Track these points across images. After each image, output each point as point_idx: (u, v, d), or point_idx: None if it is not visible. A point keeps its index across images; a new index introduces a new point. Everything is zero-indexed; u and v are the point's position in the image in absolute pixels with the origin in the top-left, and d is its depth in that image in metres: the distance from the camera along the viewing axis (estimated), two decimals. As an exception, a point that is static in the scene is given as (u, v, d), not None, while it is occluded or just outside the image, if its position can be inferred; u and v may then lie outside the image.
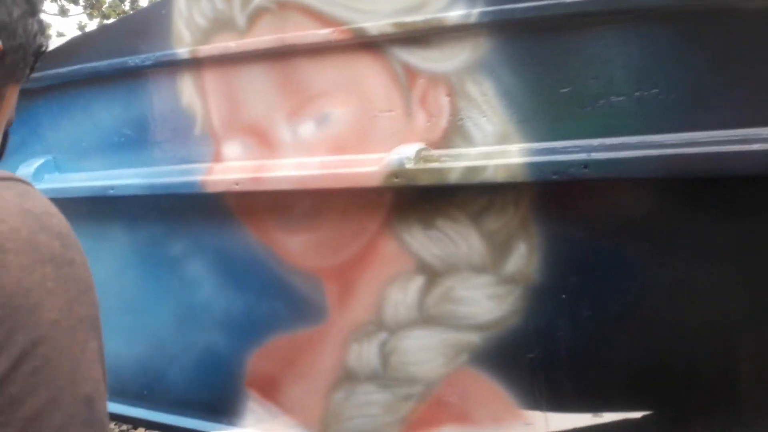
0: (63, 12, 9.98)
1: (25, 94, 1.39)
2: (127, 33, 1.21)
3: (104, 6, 10.10)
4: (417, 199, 0.99)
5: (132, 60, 1.18)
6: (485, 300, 0.98)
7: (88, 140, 1.29)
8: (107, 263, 1.29)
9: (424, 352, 1.04)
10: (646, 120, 0.87)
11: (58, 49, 1.30)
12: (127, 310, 1.30)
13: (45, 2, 9.58)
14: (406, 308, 1.04)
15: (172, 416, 1.26)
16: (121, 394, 1.29)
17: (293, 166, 1.05)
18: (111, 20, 10.17)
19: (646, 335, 0.94)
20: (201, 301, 1.22)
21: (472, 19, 0.91)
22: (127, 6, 10.22)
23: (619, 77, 0.88)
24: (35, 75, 1.41)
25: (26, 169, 1.30)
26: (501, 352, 1.00)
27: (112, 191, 1.18)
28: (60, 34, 10.21)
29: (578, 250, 0.93)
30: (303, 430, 1.16)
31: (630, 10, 0.85)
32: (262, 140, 1.10)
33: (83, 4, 10.06)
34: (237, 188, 1.06)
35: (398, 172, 0.94)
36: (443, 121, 0.96)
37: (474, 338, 1.00)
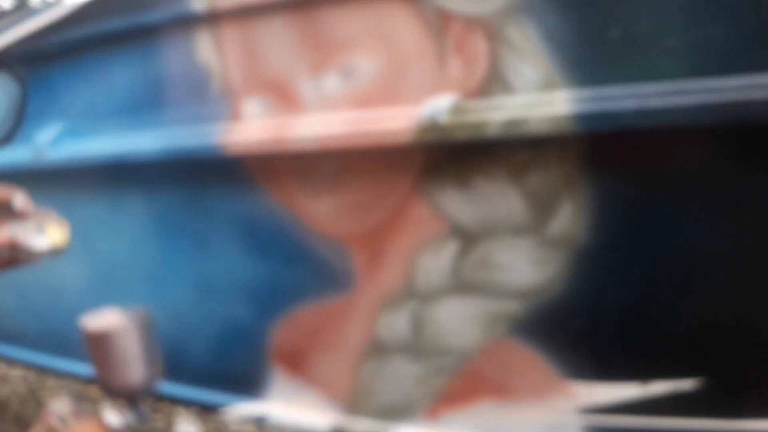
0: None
1: (42, 60, 1.35)
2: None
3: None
4: (451, 156, 0.91)
5: (147, 16, 1.12)
6: (526, 265, 0.91)
7: (104, 104, 1.24)
8: (124, 232, 1.25)
9: (459, 321, 0.98)
10: (704, 62, 0.78)
11: (73, 11, 1.25)
12: (146, 281, 1.26)
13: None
14: (440, 275, 0.97)
15: (195, 390, 1.23)
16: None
17: (317, 124, 0.98)
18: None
19: (702, 299, 0.86)
20: (222, 271, 1.17)
21: (513, -45, 0.83)
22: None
23: (673, 16, 0.79)
24: (51, 40, 1.36)
25: (44, 136, 1.26)
26: (543, 321, 0.93)
27: (129, 158, 1.13)
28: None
29: (630, 208, 0.85)
30: (330, 403, 1.11)
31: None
32: (284, 97, 1.03)
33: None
34: (257, 149, 1.00)
35: (431, 126, 0.87)
36: (480, 69, 0.89)
37: (514, 306, 0.93)
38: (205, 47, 1.09)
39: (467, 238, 0.94)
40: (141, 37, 1.16)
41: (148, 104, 1.17)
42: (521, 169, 0.88)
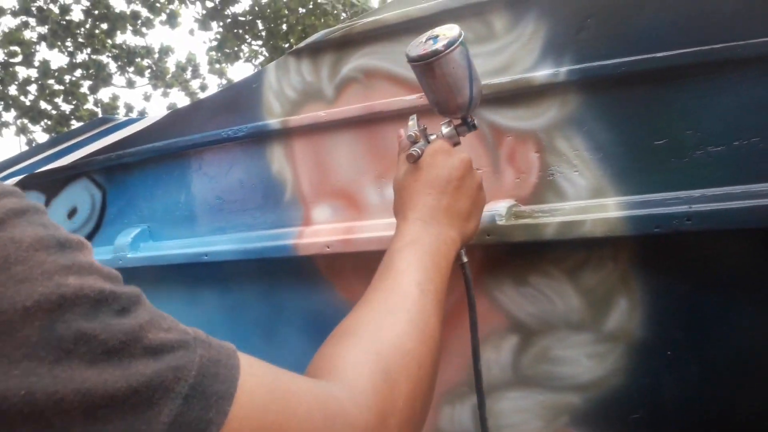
0: (130, 84, 10.71)
1: (122, 168, 1.48)
2: (219, 107, 1.28)
3: (167, 76, 10.80)
4: (508, 256, 0.98)
5: (225, 132, 1.25)
6: (585, 359, 0.95)
7: (181, 209, 1.35)
8: (198, 326, 1.32)
9: (521, 414, 1.01)
10: (746, 169, 0.85)
11: (153, 125, 1.39)
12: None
13: (114, 76, 10.36)
14: (501, 368, 1.02)
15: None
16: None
17: (382, 227, 1.06)
18: (174, 89, 10.85)
19: (756, 392, 0.88)
20: (290, 362, 1.22)
21: (560, 78, 0.92)
22: (189, 75, 10.89)
23: (716, 127, 0.87)
24: (130, 150, 1.49)
25: (123, 239, 1.37)
26: (603, 414, 0.96)
27: (206, 257, 1.22)
28: (128, 106, 10.94)
29: (682, 304, 0.89)
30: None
31: (723, 61, 0.85)
32: (351, 203, 1.12)
33: (148, 75, 10.78)
34: (328, 250, 1.08)
35: (490, 228, 0.94)
36: (533, 177, 0.97)
37: (574, 399, 0.97)
38: (278, 159, 1.20)
39: (526, 333, 0.99)
40: (215, 149, 1.29)
41: (222, 210, 1.28)
42: (576, 268, 0.94)
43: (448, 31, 0.78)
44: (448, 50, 0.76)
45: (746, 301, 0.87)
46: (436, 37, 0.78)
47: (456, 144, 0.85)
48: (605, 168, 0.92)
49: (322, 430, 0.45)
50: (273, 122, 1.18)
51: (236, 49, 10.23)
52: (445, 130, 0.85)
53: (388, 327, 0.59)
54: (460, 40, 0.77)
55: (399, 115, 1.06)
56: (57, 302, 0.36)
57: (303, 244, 1.12)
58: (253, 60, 10.68)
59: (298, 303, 1.19)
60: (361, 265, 1.11)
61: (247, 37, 10.21)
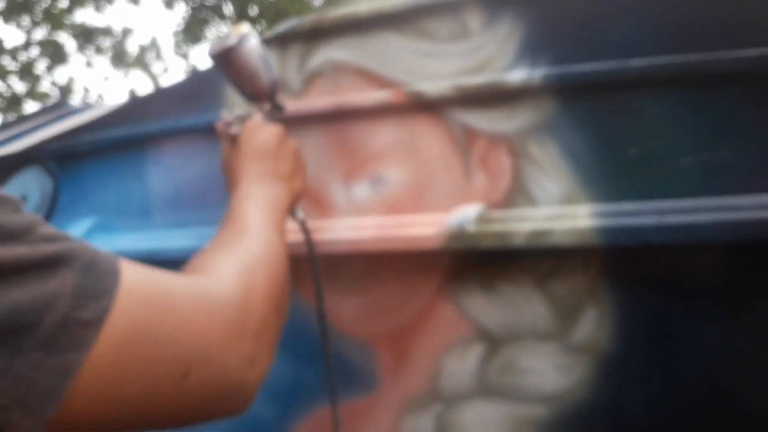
0: (89, 64, 10.41)
1: (75, 157, 1.41)
2: (180, 97, 1.23)
3: (129, 59, 10.54)
4: (477, 263, 0.96)
5: (184, 122, 1.19)
6: (551, 370, 0.93)
7: (136, 202, 1.29)
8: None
9: (484, 425, 0.99)
10: (716, 182, 0.84)
11: (111, 113, 1.32)
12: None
13: (72, 56, 10.06)
14: (465, 378, 0.99)
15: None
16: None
17: (347, 229, 1.03)
18: (135, 70, 10.62)
19: (723, 408, 0.88)
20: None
21: (535, 81, 0.90)
22: (151, 58, 10.64)
23: (688, 138, 0.86)
24: (85, 138, 1.43)
25: (74, 231, 1.30)
26: (567, 427, 0.94)
27: (161, 254, 1.17)
28: (86, 89, 10.65)
29: (651, 316, 0.88)
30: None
31: (698, 73, 0.84)
32: (316, 202, 1.08)
33: (109, 56, 10.50)
34: (289, 251, 1.04)
35: (458, 234, 0.92)
36: (504, 182, 0.95)
37: (539, 411, 0.95)
38: (240, 153, 1.15)
39: (493, 342, 0.96)
40: (175, 139, 1.23)
41: (180, 204, 1.22)
42: (545, 276, 0.92)
43: (239, 28, 0.90)
44: (239, 43, 0.88)
45: (714, 315, 0.86)
46: (229, 35, 0.90)
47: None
48: (577, 175, 0.90)
49: (200, 301, 0.54)
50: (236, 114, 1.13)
51: (200, 34, 10.01)
52: (257, 115, 0.93)
53: (242, 244, 0.69)
54: (250, 34, 0.89)
55: (369, 111, 1.03)
56: None
57: (264, 243, 1.07)
58: (219, 45, 10.46)
59: (257, 304, 1.14)
60: (324, 268, 1.07)
61: (214, 19, 10.00)
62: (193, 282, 0.57)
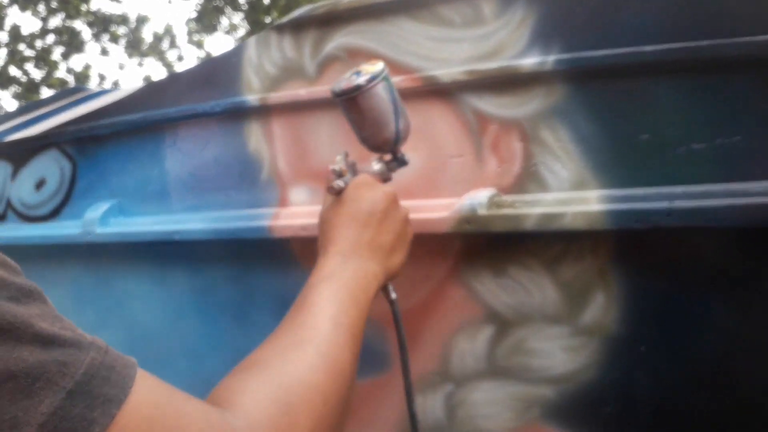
0: (104, 52, 10.46)
1: (93, 141, 1.43)
2: (196, 81, 1.24)
3: (144, 46, 10.59)
4: (488, 246, 0.97)
5: (201, 107, 1.21)
6: (559, 352, 0.95)
7: (153, 185, 1.31)
8: (167, 307, 1.30)
9: (493, 405, 1.01)
10: (727, 167, 0.85)
11: (128, 97, 1.34)
12: (184, 354, 1.30)
13: (87, 43, 10.12)
14: (474, 359, 1.01)
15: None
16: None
17: (360, 212, 1.04)
18: (150, 59, 10.67)
19: (728, 390, 0.89)
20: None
21: (548, 66, 0.91)
22: (166, 46, 10.69)
23: (699, 124, 0.86)
24: (103, 122, 1.45)
25: (92, 214, 1.33)
26: (575, 407, 0.96)
27: (177, 236, 1.19)
28: (101, 75, 10.72)
29: (659, 300, 0.89)
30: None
31: (710, 59, 0.84)
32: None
33: (124, 44, 10.56)
34: (304, 233, 1.06)
35: (470, 217, 0.93)
36: (515, 167, 0.96)
37: (547, 392, 0.97)
38: (255, 137, 1.17)
39: (502, 324, 0.98)
40: (192, 124, 1.25)
41: (197, 188, 1.24)
42: (554, 260, 0.93)
43: (371, 67, 0.80)
44: (370, 84, 0.78)
45: (722, 299, 0.87)
46: (359, 71, 0.80)
47: (386, 180, 0.86)
48: (588, 160, 0.91)
49: None
50: (251, 99, 1.15)
51: (215, 22, 10.03)
52: (375, 166, 0.86)
53: (294, 360, 0.57)
54: (382, 75, 0.80)
55: (382, 98, 1.04)
56: None
57: (278, 225, 1.09)
58: (233, 33, 10.50)
59: (271, 286, 1.17)
60: (337, 250, 1.09)
61: (227, 9, 10.01)
62: (214, 417, 0.46)
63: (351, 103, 0.79)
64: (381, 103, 0.79)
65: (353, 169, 0.84)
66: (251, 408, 0.49)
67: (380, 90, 0.79)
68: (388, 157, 0.86)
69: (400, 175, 1.03)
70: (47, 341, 0.37)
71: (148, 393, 0.41)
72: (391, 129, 0.81)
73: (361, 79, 0.78)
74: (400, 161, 0.86)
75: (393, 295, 0.84)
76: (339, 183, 0.79)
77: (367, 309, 0.70)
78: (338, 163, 0.83)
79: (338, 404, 0.57)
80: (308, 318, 0.64)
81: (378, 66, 0.80)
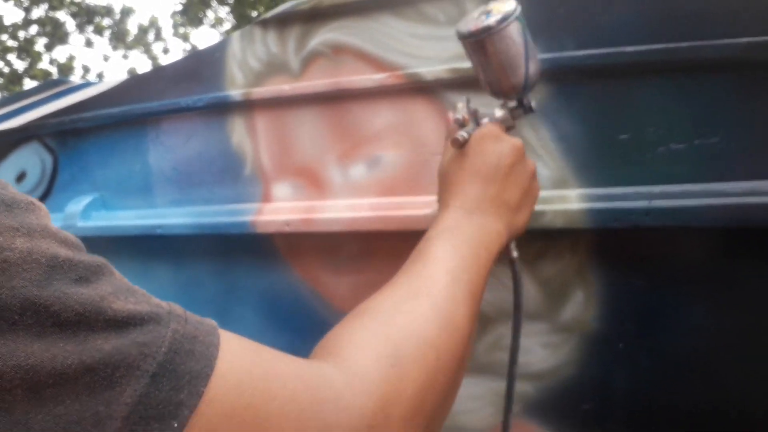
0: (88, 44, 10.36)
1: (75, 133, 1.42)
2: (179, 75, 1.24)
3: (129, 38, 10.50)
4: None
5: (184, 101, 1.21)
6: (539, 348, 0.96)
7: (136, 179, 1.30)
8: (149, 301, 1.29)
9: (473, 400, 1.01)
10: (705, 168, 0.86)
11: (111, 90, 1.33)
12: (167, 350, 1.29)
13: (72, 35, 10.01)
14: (456, 355, 1.02)
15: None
16: None
17: (344, 208, 1.05)
18: (135, 51, 10.58)
19: (706, 387, 0.91)
20: (243, 343, 1.21)
21: (530, 66, 0.91)
22: (151, 38, 10.61)
23: (679, 124, 0.87)
24: (85, 115, 1.44)
25: (74, 207, 1.32)
26: (554, 403, 0.97)
27: (159, 230, 1.19)
28: (85, 67, 10.62)
29: (637, 298, 0.91)
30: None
31: (689, 60, 0.86)
32: (313, 182, 1.10)
33: (108, 36, 10.46)
34: (287, 229, 1.06)
35: (452, 215, 0.93)
36: (498, 166, 0.96)
37: (526, 388, 0.98)
38: (238, 132, 1.16)
39: (482, 321, 0.99)
40: (177, 118, 1.24)
41: (180, 182, 1.24)
42: (534, 258, 0.94)
43: (503, 5, 0.72)
44: (501, 25, 0.70)
45: (700, 298, 0.89)
46: (489, 12, 0.72)
47: (510, 128, 0.80)
48: (568, 159, 0.92)
49: (309, 415, 0.40)
50: (235, 93, 1.15)
51: (201, 15, 9.95)
52: (498, 113, 0.79)
53: (406, 311, 0.53)
54: (515, 14, 0.72)
55: (366, 93, 1.04)
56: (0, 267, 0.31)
57: (261, 221, 1.09)
58: (218, 27, 10.43)
59: (254, 282, 1.17)
60: (320, 246, 1.09)
61: (213, 2, 9.94)
62: (311, 373, 0.43)
63: (478, 45, 0.72)
64: (511, 47, 0.71)
65: (475, 118, 0.78)
66: (356, 360, 0.45)
67: (512, 31, 0.71)
68: (513, 103, 0.79)
69: (383, 173, 1.04)
70: (123, 323, 0.35)
71: (233, 359, 0.39)
72: (520, 74, 0.73)
73: (492, 20, 0.70)
74: (526, 108, 0.79)
75: (514, 254, 0.79)
76: (463, 134, 0.72)
77: (489, 268, 0.66)
78: (460, 111, 0.77)
79: (452, 361, 0.52)
80: (424, 269, 0.60)
81: (510, 4, 0.72)
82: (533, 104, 0.80)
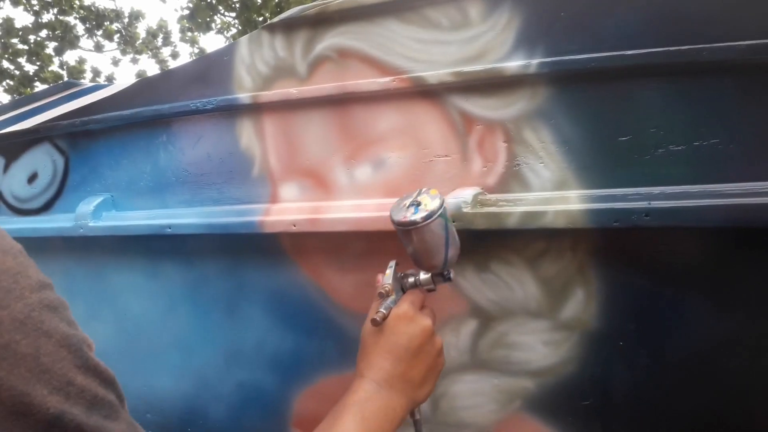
0: (98, 47, 10.41)
1: (86, 135, 1.45)
2: (189, 78, 1.26)
3: (137, 42, 10.55)
4: (471, 243, 0.99)
5: (194, 103, 1.23)
6: (540, 346, 0.98)
7: (146, 180, 1.33)
8: (159, 300, 1.32)
9: (476, 397, 1.03)
10: (704, 170, 0.87)
11: (122, 92, 1.36)
12: (176, 347, 1.32)
13: (81, 39, 10.08)
14: (458, 352, 1.04)
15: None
16: (165, 429, 1.29)
17: (349, 208, 1.07)
18: (144, 55, 10.64)
19: (705, 386, 0.92)
20: (250, 340, 1.23)
21: (532, 69, 0.94)
22: (159, 42, 10.66)
23: (679, 127, 0.89)
24: (96, 117, 1.45)
25: (85, 207, 1.35)
26: (555, 399, 0.99)
27: (169, 230, 1.21)
28: (95, 70, 10.68)
29: (637, 297, 0.92)
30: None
31: (689, 63, 0.87)
32: (319, 183, 1.12)
33: (117, 40, 10.51)
34: (294, 229, 1.08)
35: (455, 215, 0.96)
36: (499, 167, 0.98)
37: (528, 384, 0.99)
38: (247, 134, 1.19)
39: (485, 319, 1.01)
40: (186, 121, 1.27)
41: (190, 183, 1.26)
42: (536, 257, 0.96)
43: (431, 203, 0.83)
44: (425, 222, 0.81)
45: (697, 297, 0.90)
46: (419, 204, 0.84)
47: (430, 290, 0.89)
48: (570, 161, 0.94)
49: None
50: (243, 96, 1.17)
51: (208, 19, 10.01)
52: (423, 276, 0.89)
53: None
54: (439, 212, 0.82)
55: (371, 96, 1.06)
56: (64, 398, 0.45)
57: (269, 221, 1.11)
58: (226, 32, 10.48)
59: (261, 281, 1.19)
60: (326, 246, 1.12)
61: (220, 7, 9.99)
62: None
63: (405, 233, 0.83)
64: (433, 238, 0.83)
65: (400, 285, 0.88)
66: None
67: (435, 227, 0.82)
68: (436, 270, 0.89)
69: (388, 174, 1.06)
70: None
71: None
72: (439, 258, 0.85)
73: (418, 216, 0.81)
74: (445, 278, 0.89)
75: (417, 416, 0.87)
76: (382, 312, 0.82)
77: None
78: (386, 279, 0.87)
79: None
80: None
81: (436, 202, 0.83)
82: (452, 275, 0.89)
